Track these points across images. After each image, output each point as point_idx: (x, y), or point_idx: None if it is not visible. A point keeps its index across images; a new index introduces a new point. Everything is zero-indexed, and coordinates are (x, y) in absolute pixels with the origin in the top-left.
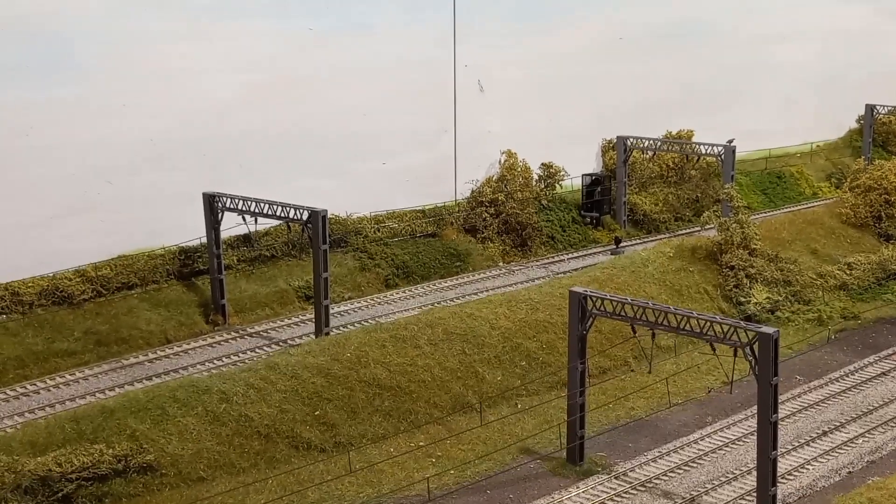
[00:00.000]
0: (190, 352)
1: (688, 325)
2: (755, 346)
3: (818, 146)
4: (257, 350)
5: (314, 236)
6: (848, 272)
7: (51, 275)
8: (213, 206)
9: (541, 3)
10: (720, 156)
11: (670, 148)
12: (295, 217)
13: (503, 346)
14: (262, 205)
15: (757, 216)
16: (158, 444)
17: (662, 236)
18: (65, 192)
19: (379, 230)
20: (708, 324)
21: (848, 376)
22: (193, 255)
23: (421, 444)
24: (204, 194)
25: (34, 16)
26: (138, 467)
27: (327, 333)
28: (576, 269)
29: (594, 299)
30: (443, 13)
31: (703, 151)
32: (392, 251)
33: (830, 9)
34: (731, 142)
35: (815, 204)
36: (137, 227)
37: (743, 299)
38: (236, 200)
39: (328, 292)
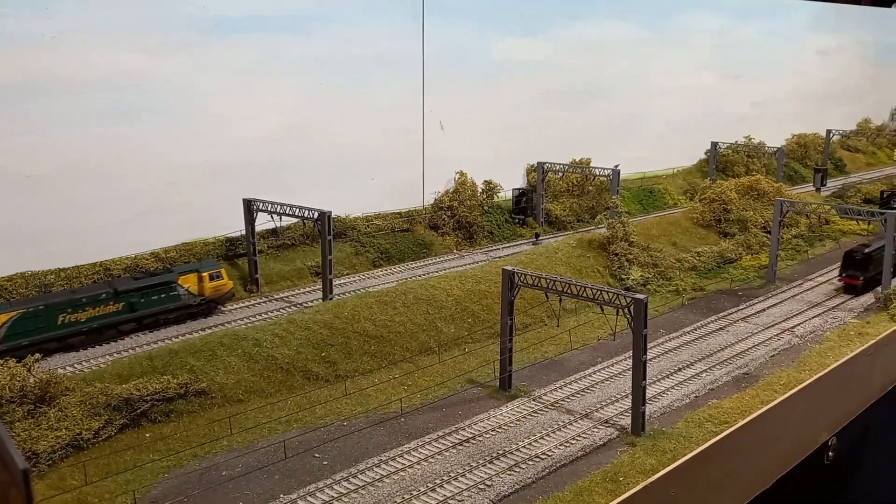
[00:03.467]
0: (233, 311)
1: (585, 293)
2: (631, 308)
3: (678, 170)
4: (281, 310)
5: (322, 230)
6: (697, 258)
7: (133, 255)
8: (250, 207)
9: (484, 68)
10: (609, 176)
11: (574, 171)
12: (308, 216)
13: (455, 307)
14: (285, 207)
15: (635, 219)
16: (209, 376)
17: (568, 232)
18: (145, 198)
19: (368, 226)
20: (599, 292)
21: (696, 330)
22: (236, 243)
23: (396, 376)
24: (244, 199)
25: (128, 73)
26: (195, 392)
27: (331, 299)
28: (508, 255)
29: (520, 274)
30: (415, 74)
31: (598, 173)
32: (378, 241)
33: (687, 75)
34: (616, 167)
35: (676, 211)
36: (196, 222)
37: (624, 276)
38: (267, 204)
39: (332, 269)
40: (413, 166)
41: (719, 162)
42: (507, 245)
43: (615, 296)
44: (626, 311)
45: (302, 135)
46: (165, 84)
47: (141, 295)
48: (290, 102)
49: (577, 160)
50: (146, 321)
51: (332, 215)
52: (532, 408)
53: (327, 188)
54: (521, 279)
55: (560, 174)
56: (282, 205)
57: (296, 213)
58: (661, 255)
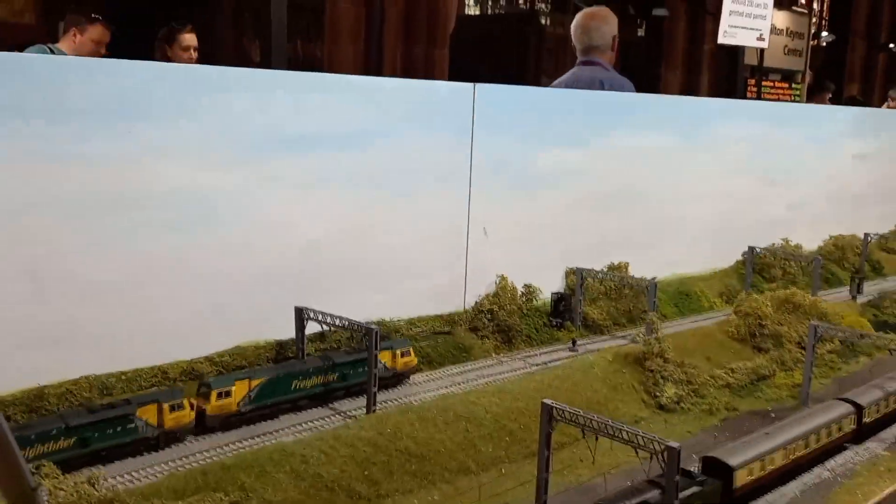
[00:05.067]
0: (281, 418)
1: (620, 434)
2: (664, 454)
3: (714, 272)
4: (325, 418)
5: (370, 345)
6: (731, 374)
7: (188, 359)
8: (301, 315)
9: (526, 180)
10: (646, 287)
11: (612, 277)
12: (357, 329)
13: (494, 425)
14: (335, 318)
15: (670, 325)
16: (259, 493)
17: (605, 337)
18: (199, 303)
19: (410, 329)
20: (634, 435)
21: None
22: (285, 346)
23: (436, 497)
24: (295, 307)
25: (191, 188)
26: None
27: (374, 411)
28: (545, 363)
29: (558, 410)
30: (461, 184)
31: (634, 284)
32: (419, 345)
33: (722, 180)
34: (653, 279)
35: (711, 319)
36: (247, 327)
37: (658, 393)
38: (317, 314)
39: (377, 382)
40: (456, 270)
41: (756, 265)
42: (545, 350)
43: (650, 440)
44: (659, 456)
45: (350, 242)
46: (224, 198)
47: (351, 367)
48: (339, 212)
49: (614, 263)
50: (353, 389)
51: (379, 322)
52: None
53: (374, 293)
54: (560, 414)
55: (598, 279)
56: (332, 315)
57: (345, 326)
58: (695, 372)
